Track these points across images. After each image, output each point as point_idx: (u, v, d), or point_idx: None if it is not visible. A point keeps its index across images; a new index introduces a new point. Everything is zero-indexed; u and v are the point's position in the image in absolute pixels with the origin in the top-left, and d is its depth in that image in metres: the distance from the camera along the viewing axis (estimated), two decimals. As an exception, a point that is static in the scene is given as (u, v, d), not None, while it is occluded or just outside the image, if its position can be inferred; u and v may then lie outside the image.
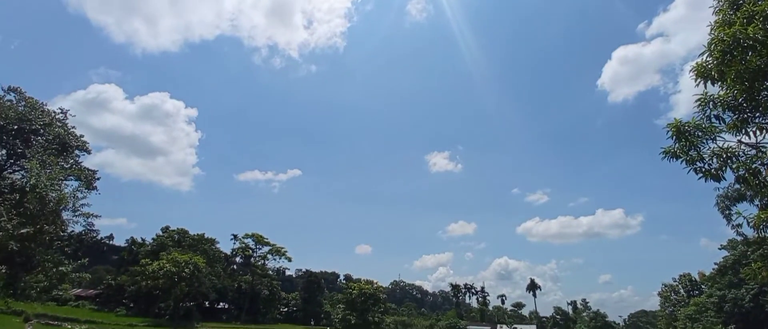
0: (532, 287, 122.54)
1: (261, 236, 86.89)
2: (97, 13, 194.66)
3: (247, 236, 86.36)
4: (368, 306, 39.28)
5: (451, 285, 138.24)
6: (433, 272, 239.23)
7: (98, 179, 28.17)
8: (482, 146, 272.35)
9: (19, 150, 25.27)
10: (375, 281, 43.58)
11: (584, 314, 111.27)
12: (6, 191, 22.07)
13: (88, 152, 28.65)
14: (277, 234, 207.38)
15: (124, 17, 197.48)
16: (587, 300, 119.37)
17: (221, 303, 78.82)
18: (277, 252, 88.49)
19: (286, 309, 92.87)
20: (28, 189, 18.89)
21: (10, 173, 24.12)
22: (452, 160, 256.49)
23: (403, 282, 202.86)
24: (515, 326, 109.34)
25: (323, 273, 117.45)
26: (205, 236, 73.95)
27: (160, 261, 36.34)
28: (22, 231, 17.26)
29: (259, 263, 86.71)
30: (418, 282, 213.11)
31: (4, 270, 19.58)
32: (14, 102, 25.93)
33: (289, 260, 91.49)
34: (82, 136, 28.21)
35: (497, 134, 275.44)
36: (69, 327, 40.43)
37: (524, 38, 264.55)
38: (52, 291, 24.11)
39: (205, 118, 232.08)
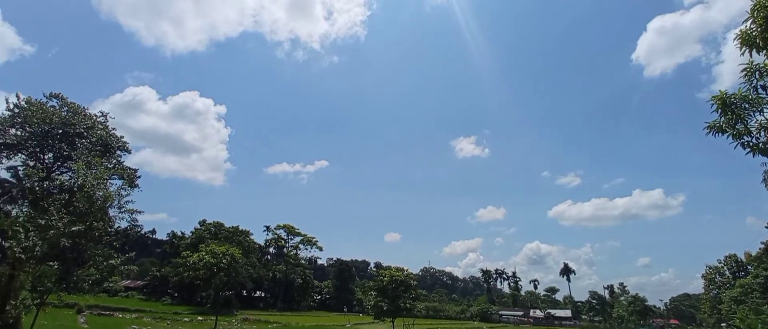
0: (566, 271, 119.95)
1: (292, 227, 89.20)
2: (128, 18, 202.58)
3: (278, 227, 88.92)
4: (399, 293, 39.66)
5: (482, 270, 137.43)
6: (462, 258, 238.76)
7: (139, 177, 29.74)
8: (509, 129, 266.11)
9: (65, 153, 26.91)
10: (405, 268, 43.85)
11: (622, 298, 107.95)
12: (55, 191, 23.52)
13: (129, 152, 30.14)
14: (307, 225, 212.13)
15: (153, 21, 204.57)
16: (625, 284, 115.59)
17: (258, 292, 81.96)
18: (309, 241, 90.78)
19: (319, 297, 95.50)
20: (76, 189, 20.20)
21: (59, 174, 25.73)
22: (479, 145, 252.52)
23: (433, 269, 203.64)
24: (549, 311, 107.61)
25: (354, 262, 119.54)
26: (240, 228, 76.77)
27: (200, 252, 38.06)
28: (73, 229, 18.51)
29: (292, 253, 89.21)
30: (448, 269, 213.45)
31: (56, 266, 20.91)
32: (57, 108, 27.55)
33: (321, 249, 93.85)
34: (122, 137, 29.73)
35: (525, 115, 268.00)
36: (120, 316, 43.33)
37: (552, 14, 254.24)
38: (104, 283, 25.75)
39: (233, 114, 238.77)
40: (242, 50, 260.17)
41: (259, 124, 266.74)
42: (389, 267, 44.51)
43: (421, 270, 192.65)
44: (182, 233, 79.98)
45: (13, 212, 26.81)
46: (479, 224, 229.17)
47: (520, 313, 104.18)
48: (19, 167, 26.60)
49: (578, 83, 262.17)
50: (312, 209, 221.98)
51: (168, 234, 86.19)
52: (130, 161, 29.98)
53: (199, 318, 46.30)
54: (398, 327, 41.83)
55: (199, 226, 75.91)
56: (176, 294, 65.86)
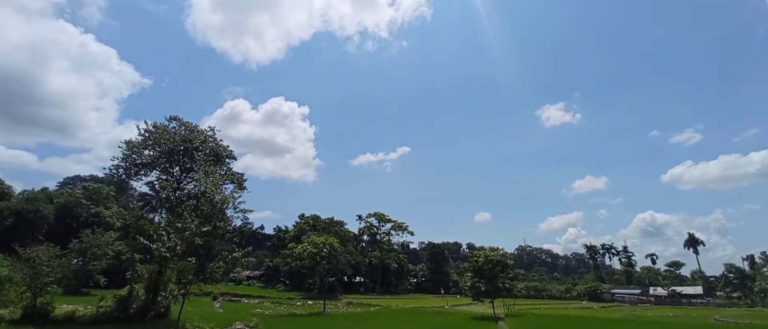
0: (692, 243, 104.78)
1: (383, 215, 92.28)
2: (218, 41, 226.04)
3: (369, 215, 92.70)
4: (496, 273, 38.71)
5: (586, 246, 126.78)
6: (561, 234, 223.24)
7: (246, 180, 33.44)
8: (603, 88, 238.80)
9: (188, 165, 31.32)
10: (500, 247, 42.56)
11: (765, 269, 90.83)
12: (185, 199, 27.50)
13: (235, 159, 34.01)
14: (396, 211, 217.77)
15: (238, 38, 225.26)
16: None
17: (357, 278, 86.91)
18: (399, 227, 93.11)
19: (415, 280, 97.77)
20: (200, 195, 23.56)
21: (185, 184, 30.08)
22: (568, 110, 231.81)
23: (530, 247, 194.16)
24: (674, 288, 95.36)
25: (445, 244, 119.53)
26: (334, 219, 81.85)
27: (302, 243, 41.75)
28: (203, 229, 21.65)
29: (385, 239, 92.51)
30: (546, 246, 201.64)
31: (194, 261, 24.36)
32: (177, 128, 32.05)
33: (412, 234, 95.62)
34: (228, 146, 33.65)
35: (621, 70, 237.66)
36: (246, 301, 49.63)
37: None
38: (230, 274, 29.57)
39: (316, 113, 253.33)
40: (316, 50, 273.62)
41: (340, 119, 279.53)
42: (483, 248, 43.59)
43: (517, 249, 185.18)
44: (285, 227, 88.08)
45: (156, 219, 32.31)
46: (577, 197, 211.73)
47: (638, 291, 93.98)
48: (155, 182, 31.81)
49: (685, 21, 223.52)
50: (399, 195, 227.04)
51: (274, 229, 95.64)
52: (236, 166, 33.90)
53: (309, 302, 50.82)
54: (498, 307, 40.97)
55: (298, 219, 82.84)
56: (288, 281, 73.07)
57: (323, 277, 45.69)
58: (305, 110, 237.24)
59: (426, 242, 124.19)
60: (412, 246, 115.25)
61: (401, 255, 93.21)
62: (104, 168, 32.92)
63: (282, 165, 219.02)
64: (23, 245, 25.53)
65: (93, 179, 75.85)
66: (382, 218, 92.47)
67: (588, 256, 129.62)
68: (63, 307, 25.23)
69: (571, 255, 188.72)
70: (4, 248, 27.24)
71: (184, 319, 24.34)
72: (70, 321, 23.45)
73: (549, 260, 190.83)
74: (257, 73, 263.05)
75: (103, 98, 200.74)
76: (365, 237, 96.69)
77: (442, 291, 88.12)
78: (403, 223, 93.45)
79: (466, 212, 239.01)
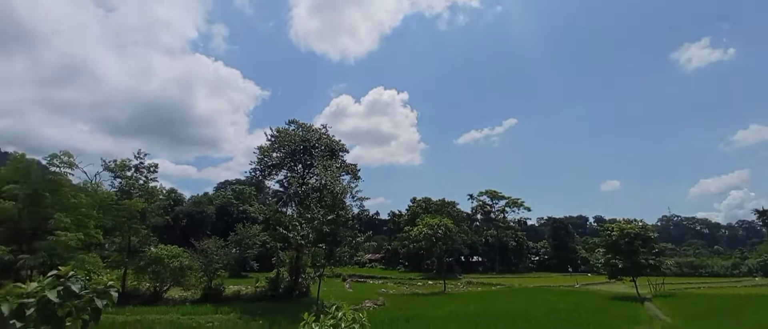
0: None
1: (495, 192, 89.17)
2: (318, 44, 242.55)
3: (481, 193, 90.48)
4: (636, 248, 34.17)
5: (756, 211, 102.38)
6: (721, 198, 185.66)
7: (359, 170, 35.70)
8: (764, 9, 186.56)
9: (308, 162, 34.80)
10: (638, 219, 37.40)
11: None
12: (310, 192, 30.65)
13: (347, 151, 36.58)
14: (509, 187, 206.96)
15: (335, 39, 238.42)
16: None
17: (474, 257, 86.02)
18: (514, 203, 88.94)
19: (536, 258, 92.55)
20: (322, 188, 26.11)
21: (308, 179, 33.55)
22: (715, 46, 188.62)
23: (677, 217, 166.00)
24: None
25: (568, 218, 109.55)
26: (446, 200, 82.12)
27: (417, 226, 43.01)
28: (328, 218, 23.99)
29: (499, 216, 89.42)
30: (700, 214, 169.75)
31: (324, 247, 27.07)
32: (295, 130, 35.74)
33: (528, 209, 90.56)
34: (340, 140, 36.36)
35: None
36: (371, 282, 53.53)
37: None
38: (354, 257, 32.21)
39: (415, 97, 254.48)
40: (408, 35, 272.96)
41: (440, 99, 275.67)
42: (615, 220, 38.84)
43: (660, 220, 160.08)
44: (399, 211, 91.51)
45: (288, 212, 36.91)
46: (740, 152, 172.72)
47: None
48: (283, 180, 36.23)
49: None
50: (510, 170, 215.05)
51: (388, 214, 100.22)
52: (348, 158, 36.35)
53: (430, 282, 52.32)
54: (642, 287, 36.20)
55: (411, 203, 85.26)
56: (407, 263, 76.29)
57: (441, 258, 46.48)
58: (405, 95, 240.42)
59: (545, 217, 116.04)
60: (530, 223, 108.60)
61: (519, 233, 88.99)
62: (245, 172, 38.70)
63: (389, 152, 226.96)
64: (196, 240, 31.76)
65: (238, 182, 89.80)
66: (494, 195, 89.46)
67: (760, 223, 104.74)
68: (230, 288, 30.81)
69: (737, 223, 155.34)
70: (182, 243, 34.42)
71: (322, 297, 27.48)
72: (237, 298, 28.56)
73: (706, 231, 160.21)
74: (355, 67, 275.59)
75: (236, 113, 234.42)
76: (479, 216, 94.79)
77: (570, 269, 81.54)
78: (518, 199, 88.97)
79: (589, 182, 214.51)
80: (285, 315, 21.15)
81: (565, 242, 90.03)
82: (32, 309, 5.85)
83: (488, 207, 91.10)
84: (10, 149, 55.88)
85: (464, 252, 78.72)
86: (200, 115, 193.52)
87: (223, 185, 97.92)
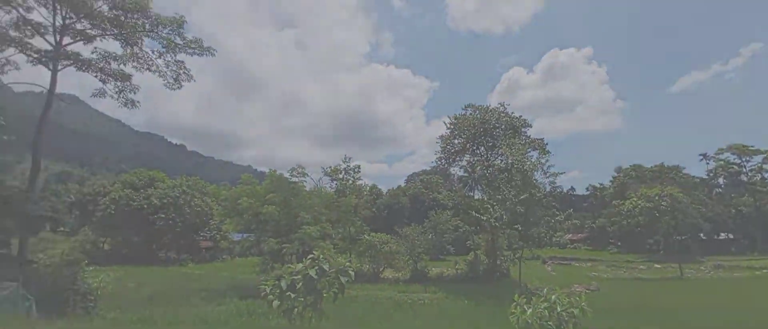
0: None
1: (744, 146, 67.36)
2: (477, 22, 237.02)
3: (721, 151, 69.86)
4: None
5: None
6: None
7: (547, 143, 32.85)
8: None
9: (490, 143, 34.22)
10: None
11: None
12: (496, 173, 30.10)
13: (530, 126, 34.41)
14: (764, 136, 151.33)
15: (494, 11, 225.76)
16: None
17: (721, 234, 66.69)
18: (778, 158, 64.66)
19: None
20: (509, 167, 25.15)
21: (493, 160, 32.97)
22: None
23: None
24: None
25: None
26: (665, 165, 66.67)
27: (630, 199, 36.21)
28: (520, 197, 22.97)
29: (755, 178, 66.77)
30: None
31: (519, 228, 26.08)
32: (472, 113, 35.58)
33: (807, 164, 64.06)
34: (520, 116, 34.25)
35: None
36: (576, 264, 48.47)
37: None
38: (553, 238, 29.87)
39: (601, 50, 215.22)
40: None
41: (635, 44, 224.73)
42: None
43: None
44: (600, 184, 79.78)
45: (475, 196, 37.09)
46: None
47: None
48: (467, 164, 36.60)
49: None
50: (762, 113, 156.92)
51: (587, 188, 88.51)
52: (531, 133, 33.84)
53: (656, 265, 43.53)
54: None
55: (615, 174, 73.13)
56: (619, 243, 65.63)
57: (669, 235, 37.71)
58: (588, 51, 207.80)
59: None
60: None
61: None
62: (431, 162, 41.00)
63: (576, 119, 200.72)
64: (398, 228, 35.56)
65: (424, 172, 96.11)
66: (743, 151, 67.38)
67: None
68: (433, 270, 33.29)
69: None
70: (386, 231, 39.20)
71: (523, 280, 26.52)
72: (440, 279, 30.65)
73: None
74: (522, 35, 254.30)
75: (412, 108, 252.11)
76: (721, 181, 73.32)
77: None
78: (783, 152, 64.02)
79: None
80: (488, 296, 21.49)
81: None
82: (300, 284, 7.74)
83: (735, 168, 69.24)
84: (265, 169, 75.78)
85: (704, 228, 61.84)
86: (382, 117, 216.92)
87: (411, 177, 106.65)
